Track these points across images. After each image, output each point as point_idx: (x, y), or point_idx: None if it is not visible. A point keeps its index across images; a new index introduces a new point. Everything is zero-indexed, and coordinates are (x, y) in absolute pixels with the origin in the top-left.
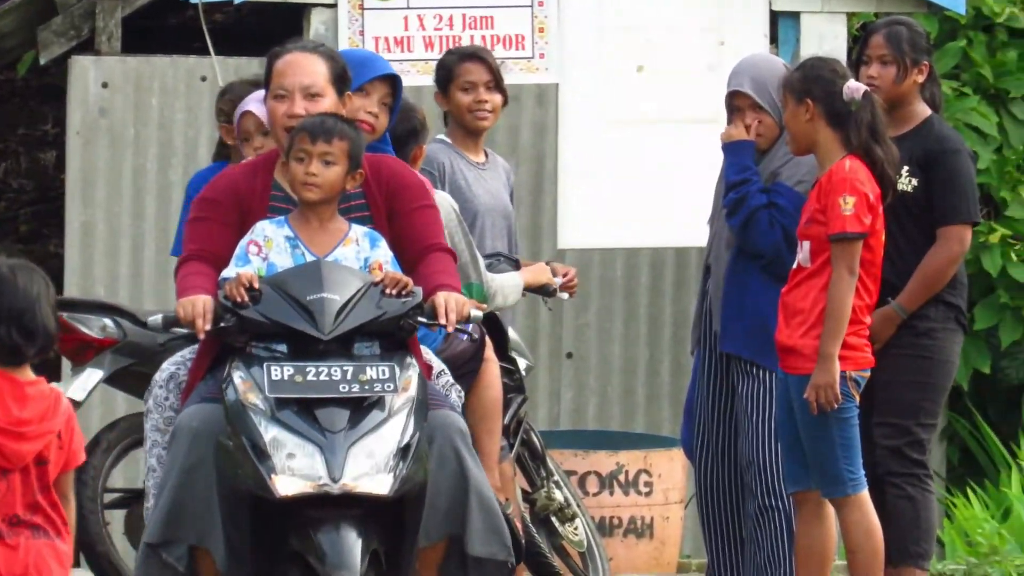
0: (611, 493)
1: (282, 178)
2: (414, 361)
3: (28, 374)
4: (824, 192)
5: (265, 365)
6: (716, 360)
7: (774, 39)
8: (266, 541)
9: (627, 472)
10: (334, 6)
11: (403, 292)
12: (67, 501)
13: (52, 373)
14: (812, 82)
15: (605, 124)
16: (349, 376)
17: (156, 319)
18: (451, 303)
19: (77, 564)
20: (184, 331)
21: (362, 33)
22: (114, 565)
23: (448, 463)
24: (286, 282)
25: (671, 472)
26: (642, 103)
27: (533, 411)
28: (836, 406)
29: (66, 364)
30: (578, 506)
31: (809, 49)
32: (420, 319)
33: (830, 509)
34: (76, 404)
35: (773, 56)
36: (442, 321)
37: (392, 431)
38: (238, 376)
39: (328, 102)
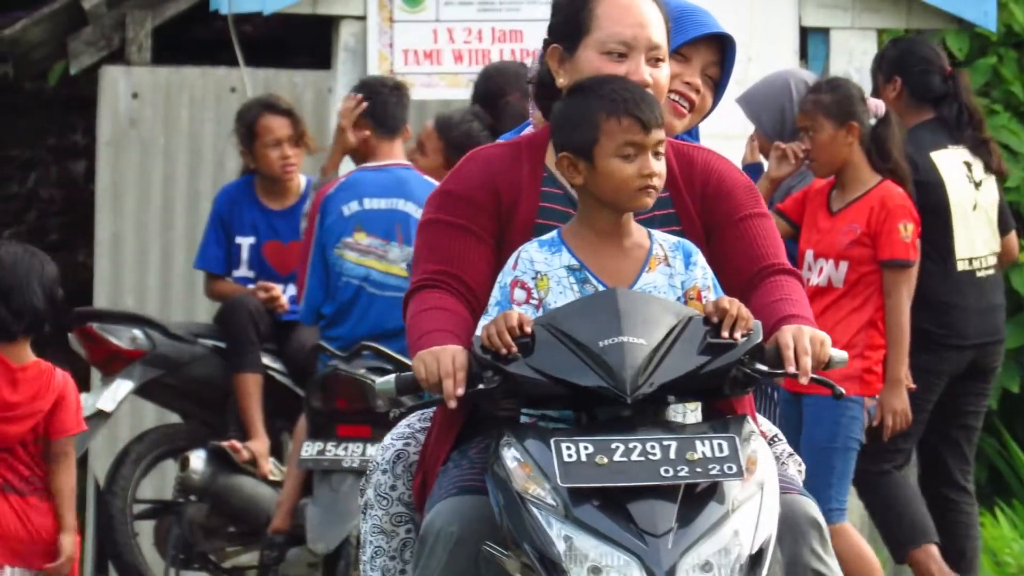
0: None
1: (555, 167)
2: (755, 429)
3: (23, 357)
4: (878, 217)
5: (553, 442)
6: None
7: (803, 55)
8: None
9: None
10: (363, 18)
11: (739, 331)
12: (67, 458)
13: (82, 384)
14: (855, 104)
15: None
16: (672, 454)
17: (387, 383)
18: (803, 341)
19: (106, 573)
20: (429, 399)
21: (391, 45)
22: (142, 575)
23: (804, 572)
24: (569, 322)
25: None
26: None
27: None
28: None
29: (95, 374)
30: None
31: (839, 65)
32: (759, 367)
33: (846, 527)
34: (106, 415)
35: (776, 75)
36: (791, 369)
37: (736, 532)
38: (512, 457)
39: (668, 71)
